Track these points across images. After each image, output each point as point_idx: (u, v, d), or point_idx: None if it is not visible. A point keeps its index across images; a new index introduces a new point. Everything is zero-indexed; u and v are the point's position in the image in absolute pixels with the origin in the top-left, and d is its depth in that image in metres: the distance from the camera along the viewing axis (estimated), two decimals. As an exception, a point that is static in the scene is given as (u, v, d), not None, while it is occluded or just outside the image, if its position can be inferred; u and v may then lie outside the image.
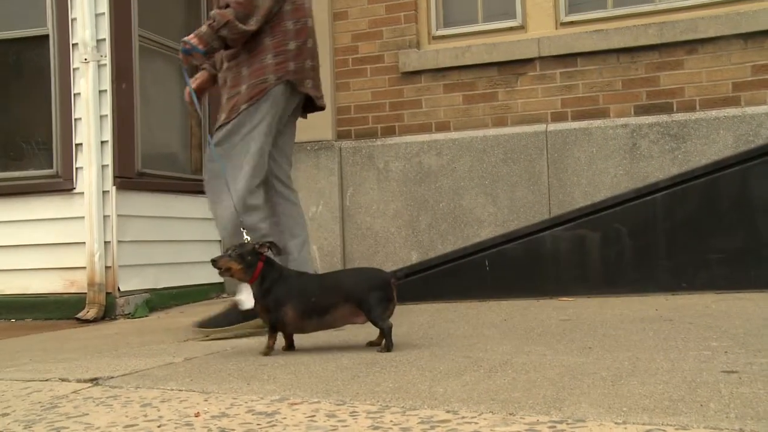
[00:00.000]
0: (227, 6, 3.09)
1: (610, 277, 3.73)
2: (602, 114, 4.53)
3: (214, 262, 2.60)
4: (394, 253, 4.88)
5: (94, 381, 2.24)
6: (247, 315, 3.10)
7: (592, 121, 4.52)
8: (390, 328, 2.47)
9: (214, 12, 3.10)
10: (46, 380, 2.30)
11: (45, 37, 4.63)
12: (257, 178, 3.18)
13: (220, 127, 3.22)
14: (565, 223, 3.77)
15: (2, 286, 4.70)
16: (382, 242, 4.90)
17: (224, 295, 5.28)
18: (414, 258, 4.79)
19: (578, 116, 4.58)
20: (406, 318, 3.37)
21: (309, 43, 3.39)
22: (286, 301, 2.53)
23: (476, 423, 1.53)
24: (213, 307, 4.73)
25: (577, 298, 3.67)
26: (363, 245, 4.94)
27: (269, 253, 2.62)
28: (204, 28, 3.07)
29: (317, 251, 4.99)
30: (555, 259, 3.77)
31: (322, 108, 3.55)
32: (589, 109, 4.56)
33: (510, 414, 1.58)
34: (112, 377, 2.27)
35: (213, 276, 5.25)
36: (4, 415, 1.86)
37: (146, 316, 4.52)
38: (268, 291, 2.55)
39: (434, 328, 3.04)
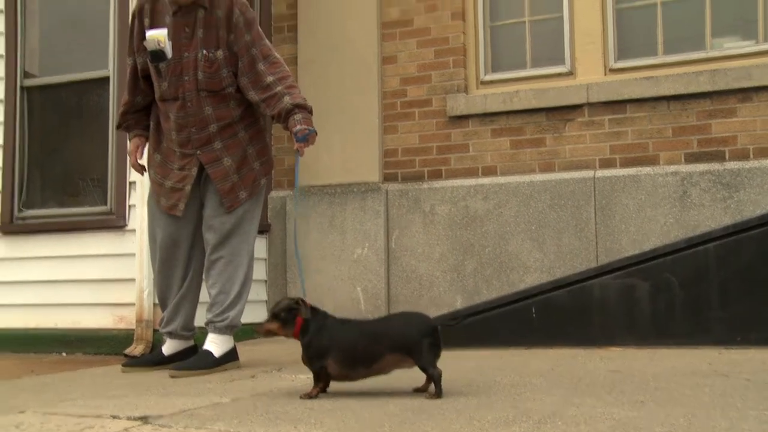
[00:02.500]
0: (277, 84, 3.35)
1: (660, 327, 3.66)
2: (652, 161, 4.49)
3: (256, 331, 2.67)
4: (439, 297, 4.86)
5: (144, 419, 2.27)
6: (216, 362, 3.43)
7: (641, 168, 4.48)
8: (440, 375, 2.46)
9: (298, 98, 3.31)
10: (98, 416, 2.33)
11: (105, 79, 4.79)
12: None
13: (242, 199, 3.47)
14: (613, 271, 3.72)
15: (55, 320, 4.79)
16: (426, 286, 4.89)
17: (257, 335, 5.29)
18: (459, 302, 4.76)
19: (627, 163, 4.55)
20: (452, 364, 3.33)
21: None
22: (329, 352, 2.53)
23: (528, 478, 1.50)
24: (258, 347, 4.76)
25: (625, 348, 3.61)
26: (408, 288, 4.93)
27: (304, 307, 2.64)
28: (304, 113, 3.30)
29: (361, 293, 5.01)
30: (603, 308, 3.72)
31: None
32: (639, 156, 4.53)
33: (562, 470, 1.55)
34: (162, 416, 2.30)
35: (258, 315, 5.29)
36: (58, 451, 1.89)
37: (191, 353, 4.55)
38: (309, 343, 2.57)
39: (480, 376, 3.00)
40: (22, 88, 4.97)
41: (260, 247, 5.37)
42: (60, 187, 5.09)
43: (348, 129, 5.15)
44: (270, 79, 3.34)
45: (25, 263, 4.89)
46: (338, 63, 5.21)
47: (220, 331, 3.47)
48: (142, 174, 3.77)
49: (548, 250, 4.62)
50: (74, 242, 4.83)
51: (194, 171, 3.44)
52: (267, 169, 3.63)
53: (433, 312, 4.72)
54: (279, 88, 3.32)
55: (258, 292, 5.34)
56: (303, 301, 2.66)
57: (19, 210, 4.96)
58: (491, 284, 4.73)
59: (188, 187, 3.44)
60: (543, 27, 4.96)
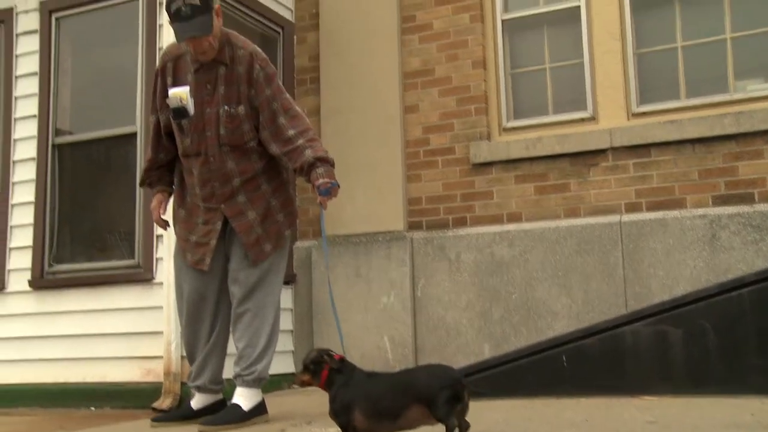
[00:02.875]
0: (298, 137, 3.39)
1: (696, 376, 3.58)
2: (678, 204, 4.45)
3: (294, 382, 2.70)
4: (466, 345, 4.81)
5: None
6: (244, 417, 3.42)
7: (668, 212, 4.44)
8: (458, 427, 2.40)
9: (320, 152, 3.36)
10: (127, 478, 2.31)
11: (133, 135, 4.87)
12: None
13: (267, 252, 3.49)
14: (645, 318, 3.66)
15: (83, 374, 4.80)
16: (453, 334, 4.85)
17: (295, 386, 5.26)
18: (486, 350, 4.71)
19: (653, 207, 4.52)
20: (481, 415, 3.28)
21: None
22: (354, 405, 2.51)
23: None
24: (286, 398, 4.72)
25: (660, 397, 3.52)
26: (434, 337, 4.89)
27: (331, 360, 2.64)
28: (326, 166, 3.34)
29: (388, 342, 4.97)
30: (636, 356, 3.65)
31: None
32: (665, 200, 4.49)
33: None
34: (190, 476, 2.28)
35: (284, 366, 5.28)
36: None
37: (219, 406, 4.53)
38: (335, 397, 2.55)
39: (510, 427, 2.95)
40: (53, 145, 5.07)
41: (286, 297, 5.37)
42: (89, 242, 5.15)
43: (372, 178, 5.18)
44: (291, 132, 3.36)
45: (54, 318, 4.93)
46: (361, 113, 5.27)
47: (248, 384, 3.46)
48: (165, 229, 3.81)
49: (576, 296, 4.57)
50: (102, 296, 4.86)
51: (219, 225, 3.47)
52: (291, 220, 3.64)
53: (461, 361, 4.68)
54: (300, 142, 3.34)
55: (284, 343, 5.32)
56: (329, 353, 2.66)
57: (50, 265, 5.02)
58: (519, 331, 4.68)
59: (213, 242, 3.46)
60: (564, 73, 4.99)
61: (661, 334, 3.61)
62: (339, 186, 3.33)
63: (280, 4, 5.59)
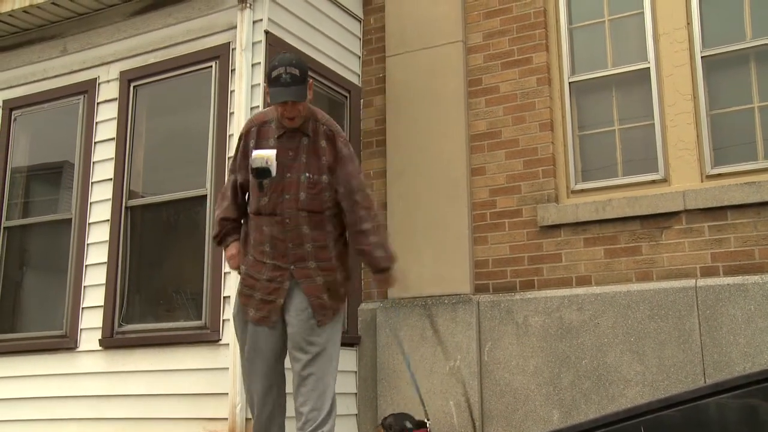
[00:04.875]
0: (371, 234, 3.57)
1: (789, 454, 3.37)
2: (759, 269, 4.28)
3: None
4: (534, 411, 4.67)
5: None
6: None
7: (747, 277, 4.28)
8: None
9: (387, 260, 3.58)
10: None
11: (203, 197, 4.98)
12: None
13: (329, 317, 3.58)
14: (730, 390, 3.48)
15: (147, 435, 4.82)
16: (521, 400, 4.71)
17: (359, 450, 5.18)
18: (556, 417, 4.56)
19: (731, 271, 4.36)
20: (558, 490, 3.15)
21: None
22: None
23: None
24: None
25: (748, 475, 3.32)
26: (501, 402, 4.77)
27: None
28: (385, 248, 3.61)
29: (454, 407, 4.86)
30: (722, 430, 3.46)
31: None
32: (744, 264, 4.33)
33: None
34: None
35: (348, 430, 5.20)
36: None
37: (283, 470, 4.47)
38: None
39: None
40: (126, 207, 5.22)
41: (350, 360, 5.33)
42: (157, 302, 5.23)
43: (438, 240, 5.16)
44: (362, 213, 3.55)
45: (123, 377, 4.98)
46: (427, 175, 5.28)
47: None
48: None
49: (649, 362, 4.41)
50: (170, 356, 4.90)
51: (287, 285, 3.53)
52: (347, 294, 3.80)
53: (530, 427, 4.55)
54: (373, 240, 3.54)
55: (348, 406, 5.25)
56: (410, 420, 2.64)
57: (119, 324, 5.11)
58: (590, 398, 4.52)
59: (281, 300, 3.52)
60: (634, 134, 4.93)
61: (750, 408, 3.42)
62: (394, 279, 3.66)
63: (347, 69, 5.70)
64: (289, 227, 3.51)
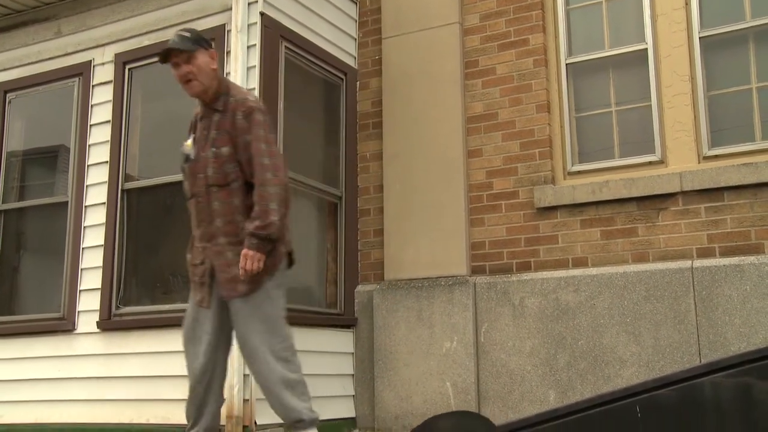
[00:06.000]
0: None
1: (783, 431, 3.39)
2: (755, 250, 4.30)
3: None
4: (531, 391, 4.69)
5: None
6: None
7: (743, 258, 4.29)
8: None
9: (270, 190, 3.38)
10: None
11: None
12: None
13: (240, 291, 3.41)
14: (725, 369, 3.49)
15: (147, 415, 4.83)
16: (518, 380, 4.74)
17: (356, 431, 5.20)
18: (552, 397, 4.58)
19: (728, 252, 4.37)
20: (554, 469, 3.17)
21: None
22: None
23: None
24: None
25: (743, 453, 3.35)
26: (498, 383, 4.79)
27: None
28: (263, 215, 3.40)
29: (450, 388, 4.88)
30: (716, 409, 3.47)
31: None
32: (740, 245, 4.35)
33: None
34: None
35: (345, 411, 5.23)
36: None
37: (280, 451, 4.50)
38: None
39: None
40: (122, 190, 5.21)
41: (346, 341, 5.35)
42: (154, 284, 5.23)
43: (434, 222, 5.16)
44: (258, 190, 3.39)
45: (120, 359, 5.00)
46: (423, 157, 5.28)
47: (302, 428, 3.43)
48: None
49: (645, 343, 4.43)
50: (167, 338, 4.90)
51: (208, 265, 3.48)
52: (271, 264, 3.48)
53: (526, 408, 4.58)
54: (257, 207, 3.36)
55: (345, 387, 5.28)
56: None
57: (117, 307, 5.11)
58: (585, 379, 4.55)
59: (208, 281, 3.47)
60: (631, 116, 4.93)
61: (745, 386, 3.44)
62: (260, 256, 3.34)
63: (343, 51, 5.68)
64: (202, 205, 3.48)
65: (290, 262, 3.63)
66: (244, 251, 3.30)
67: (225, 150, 3.44)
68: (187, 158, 3.53)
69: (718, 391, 3.48)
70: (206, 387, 3.54)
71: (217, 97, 3.51)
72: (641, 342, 4.44)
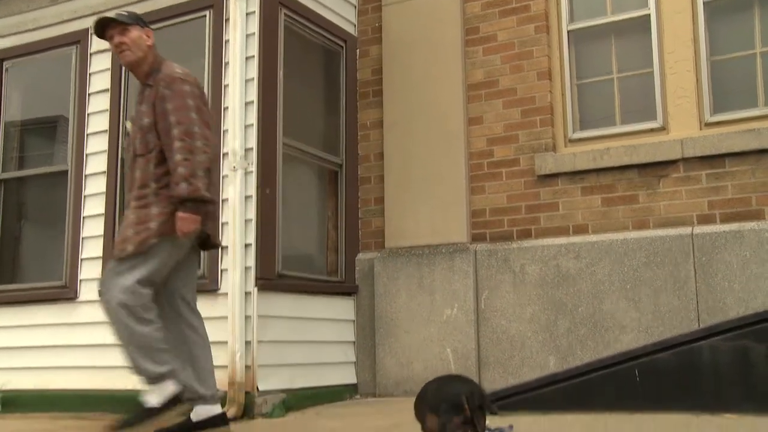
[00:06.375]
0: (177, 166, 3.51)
1: (782, 394, 3.43)
2: (756, 216, 4.31)
3: None
4: (531, 357, 4.73)
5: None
6: (151, 413, 3.42)
7: (744, 224, 4.30)
8: None
9: (192, 156, 3.49)
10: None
11: (199, 147, 4.95)
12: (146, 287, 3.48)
13: (127, 252, 3.48)
14: (723, 332, 3.54)
15: (150, 383, 4.87)
16: (518, 346, 4.77)
17: (357, 396, 5.25)
18: (552, 363, 4.62)
19: (728, 218, 4.38)
20: (557, 430, 3.22)
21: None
22: None
23: None
24: (348, 409, 4.71)
25: (742, 416, 3.39)
26: (498, 349, 4.83)
27: None
28: (189, 179, 3.50)
29: (451, 354, 4.92)
30: (714, 372, 3.52)
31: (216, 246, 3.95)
32: (741, 211, 4.36)
33: None
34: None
35: (347, 377, 5.27)
36: None
37: (283, 416, 4.54)
38: None
39: (587, 444, 2.87)
40: (122, 159, 5.19)
41: (348, 308, 5.38)
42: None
43: (435, 190, 5.17)
44: (176, 156, 3.46)
45: (122, 327, 5.01)
46: (424, 125, 5.26)
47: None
48: None
49: (645, 309, 4.46)
50: (169, 306, 4.93)
51: None
52: (164, 229, 3.52)
53: (526, 373, 4.61)
54: (180, 171, 3.43)
55: (346, 354, 5.32)
56: None
57: (118, 275, 5.12)
58: (585, 344, 4.58)
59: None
60: (632, 83, 4.90)
61: (742, 349, 3.48)
62: (196, 217, 3.44)
63: (343, 18, 5.63)
64: (129, 175, 3.67)
65: (206, 244, 3.75)
66: (178, 214, 3.43)
67: (146, 121, 3.60)
68: (127, 134, 3.75)
69: (716, 354, 3.52)
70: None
71: (150, 74, 3.68)
72: (641, 308, 4.47)
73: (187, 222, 3.44)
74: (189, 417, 3.65)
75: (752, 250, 4.22)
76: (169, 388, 3.50)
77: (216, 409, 3.71)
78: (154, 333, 3.47)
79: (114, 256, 3.57)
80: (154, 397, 3.47)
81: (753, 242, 4.22)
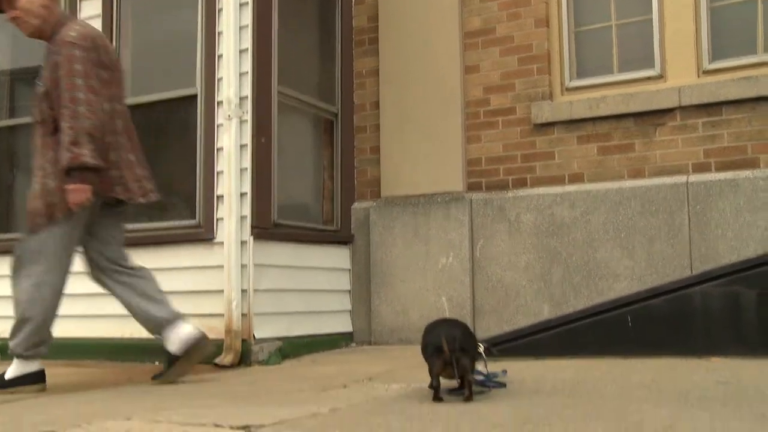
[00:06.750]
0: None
1: (770, 338, 3.48)
2: (751, 164, 4.31)
3: None
4: (525, 305, 4.78)
5: (246, 429, 2.28)
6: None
7: (739, 172, 4.30)
8: (431, 384, 2.66)
9: (75, 122, 3.41)
10: (202, 425, 2.36)
11: (194, 97, 4.91)
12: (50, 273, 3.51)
13: (41, 225, 3.48)
14: (715, 278, 3.57)
15: (146, 331, 4.91)
16: (512, 295, 4.81)
17: (353, 345, 5.32)
18: (546, 311, 4.67)
19: (723, 167, 4.38)
20: (549, 374, 3.27)
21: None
22: None
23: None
24: (343, 356, 4.78)
25: (730, 358, 3.45)
26: (493, 297, 4.87)
27: None
28: (70, 147, 3.41)
29: (446, 302, 4.97)
30: (705, 317, 3.57)
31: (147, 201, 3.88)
32: (736, 160, 4.35)
33: (691, 485, 1.48)
34: (263, 426, 2.31)
35: (343, 325, 5.33)
36: (171, 458, 1.92)
37: (279, 363, 4.60)
38: None
39: (579, 386, 2.92)
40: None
41: (343, 257, 5.41)
42: (150, 203, 5.22)
43: (431, 139, 5.14)
44: (63, 123, 3.41)
45: (119, 275, 5.04)
46: (420, 73, 5.21)
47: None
48: None
49: (639, 257, 4.49)
50: (165, 255, 4.94)
51: None
52: (62, 204, 3.48)
53: (520, 321, 4.66)
54: (64, 139, 3.38)
55: (342, 303, 5.37)
56: None
57: (114, 224, 5.11)
58: (579, 292, 4.62)
59: None
60: (630, 30, 4.84)
61: (733, 295, 3.52)
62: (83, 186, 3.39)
63: (338, -37, 5.53)
64: (32, 143, 3.63)
65: (119, 200, 3.69)
66: (65, 186, 3.36)
67: (42, 88, 3.53)
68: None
69: (707, 300, 3.57)
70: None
71: (52, 36, 3.56)
72: (635, 256, 4.49)
73: (75, 193, 3.36)
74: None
75: (746, 198, 4.23)
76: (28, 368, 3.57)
77: (188, 326, 3.75)
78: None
79: (29, 230, 3.54)
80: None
81: (747, 190, 4.23)
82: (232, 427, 2.30)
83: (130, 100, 5.17)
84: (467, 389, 2.62)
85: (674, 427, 2.05)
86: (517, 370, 3.34)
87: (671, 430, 2.00)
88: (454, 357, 2.56)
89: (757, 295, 3.48)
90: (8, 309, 5.28)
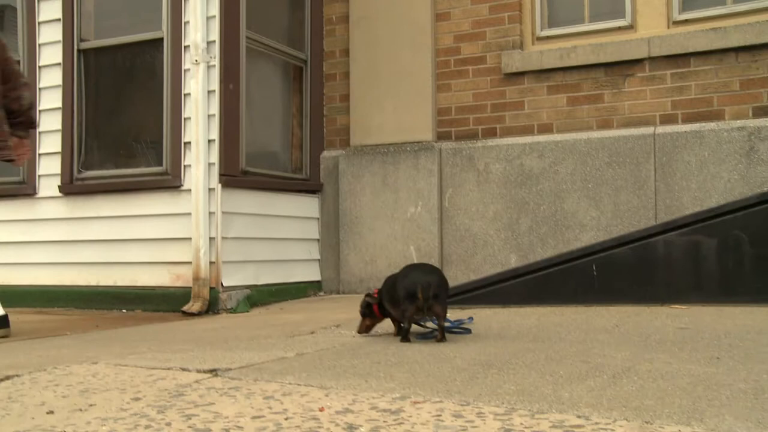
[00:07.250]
0: None
1: (728, 285, 3.57)
2: (716, 116, 4.35)
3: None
4: (493, 255, 4.82)
5: (214, 372, 2.29)
6: None
7: (704, 124, 4.35)
8: (403, 328, 2.79)
9: None
10: (168, 369, 2.36)
11: (159, 41, 4.80)
12: None
13: None
14: (678, 228, 3.63)
15: (114, 278, 4.89)
16: (480, 244, 4.86)
17: (321, 293, 5.34)
18: (513, 261, 4.72)
19: (690, 118, 4.42)
20: (514, 321, 3.32)
21: None
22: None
23: (612, 430, 1.47)
24: (312, 305, 4.80)
25: (690, 305, 3.53)
26: (461, 247, 4.91)
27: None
28: None
29: (414, 251, 5.00)
30: (667, 266, 3.64)
31: None
32: (702, 111, 4.39)
33: (646, 422, 1.52)
34: (230, 369, 2.32)
35: (311, 274, 5.35)
36: (137, 399, 1.92)
37: (247, 311, 4.62)
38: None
39: (544, 332, 2.98)
40: (78, 51, 5.01)
41: (312, 206, 5.40)
42: (117, 149, 5.15)
43: (400, 87, 5.10)
44: None
45: (85, 222, 4.99)
46: (391, 20, 5.14)
47: None
48: None
49: (605, 208, 4.54)
50: (131, 202, 4.90)
51: None
52: None
53: (488, 270, 4.71)
54: None
55: (311, 251, 5.37)
56: (368, 294, 3.03)
57: (78, 171, 5.04)
58: (546, 242, 4.68)
59: None
60: (602, -21, 4.81)
61: (695, 244, 3.59)
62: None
63: None
64: None
65: None
66: None
67: None
68: None
69: (670, 248, 3.63)
70: None
71: None
72: (601, 207, 4.55)
73: None
74: None
75: (711, 150, 4.28)
76: None
77: None
78: None
79: None
80: None
81: (712, 142, 4.28)
82: (199, 371, 2.31)
83: (94, 43, 5.07)
84: (439, 332, 2.71)
85: (634, 368, 2.10)
86: (483, 317, 3.38)
87: (631, 371, 2.05)
88: (427, 304, 2.64)
89: (717, 244, 3.55)
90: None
